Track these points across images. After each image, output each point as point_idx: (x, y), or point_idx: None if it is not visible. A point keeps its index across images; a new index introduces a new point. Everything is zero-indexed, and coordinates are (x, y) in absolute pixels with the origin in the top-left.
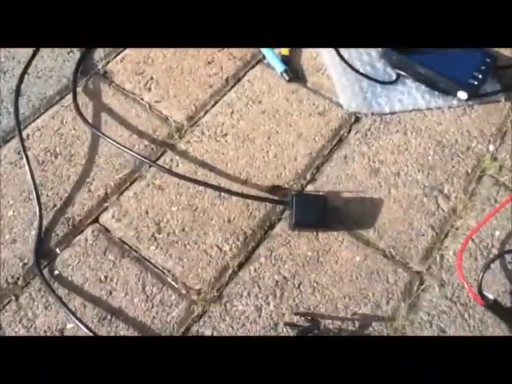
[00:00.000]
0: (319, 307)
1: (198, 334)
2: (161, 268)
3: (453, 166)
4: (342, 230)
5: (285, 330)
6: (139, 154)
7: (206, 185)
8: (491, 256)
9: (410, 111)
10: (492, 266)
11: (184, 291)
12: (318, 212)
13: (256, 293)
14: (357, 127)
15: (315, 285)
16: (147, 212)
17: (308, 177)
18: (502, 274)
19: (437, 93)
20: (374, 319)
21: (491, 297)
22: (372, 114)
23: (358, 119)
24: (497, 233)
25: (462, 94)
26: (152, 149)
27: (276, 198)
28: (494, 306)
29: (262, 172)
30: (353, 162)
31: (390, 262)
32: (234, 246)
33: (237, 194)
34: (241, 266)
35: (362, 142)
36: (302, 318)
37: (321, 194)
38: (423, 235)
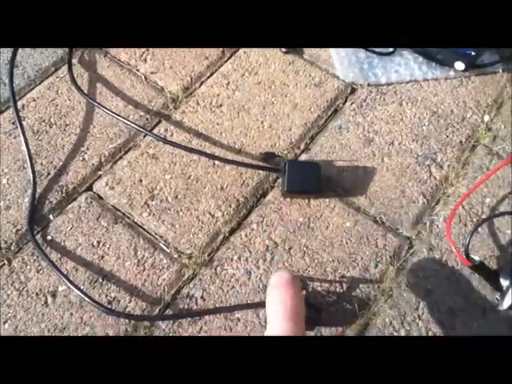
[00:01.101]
0: (308, 270)
1: (189, 296)
2: (153, 234)
3: (447, 136)
4: (334, 197)
5: None
6: (134, 123)
7: (199, 152)
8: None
9: (407, 82)
10: (480, 230)
11: (175, 255)
12: (311, 179)
13: (246, 257)
14: (353, 98)
15: (305, 249)
16: (141, 180)
17: (302, 146)
18: (489, 239)
19: (434, 64)
20: (362, 281)
21: (477, 258)
22: (368, 84)
23: (354, 90)
24: (487, 200)
25: (459, 65)
26: (147, 119)
27: (269, 165)
28: (480, 268)
29: (257, 142)
30: (347, 132)
31: (380, 228)
32: (226, 212)
33: (230, 161)
34: (232, 231)
35: (357, 112)
36: None
37: (314, 161)
38: (414, 202)
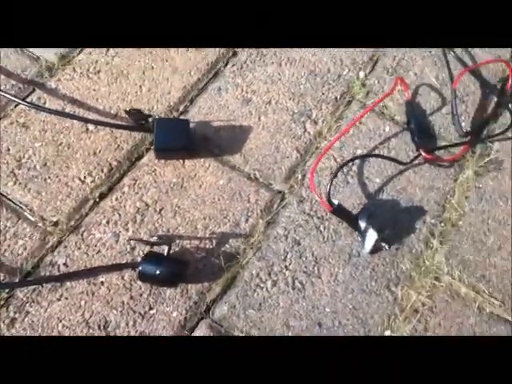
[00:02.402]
0: (178, 229)
1: (52, 263)
2: (18, 203)
3: (323, 93)
4: (210, 156)
5: (141, 252)
6: (5, 92)
7: (69, 116)
8: (351, 172)
9: None
10: (351, 181)
11: (40, 223)
12: (181, 135)
13: (115, 220)
14: (234, 60)
15: (177, 209)
16: (8, 149)
17: (181, 109)
18: (358, 188)
19: None
20: (232, 236)
21: (336, 202)
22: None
23: (235, 53)
24: (358, 151)
25: None
26: (19, 88)
27: (139, 123)
28: (339, 211)
29: (134, 106)
30: (226, 93)
31: (253, 184)
32: (97, 177)
33: (98, 122)
34: (102, 196)
35: (236, 74)
36: (156, 238)
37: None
38: (288, 157)
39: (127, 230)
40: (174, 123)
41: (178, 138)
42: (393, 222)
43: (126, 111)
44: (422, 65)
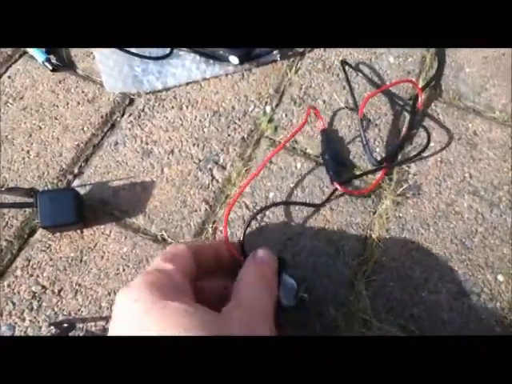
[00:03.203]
0: (81, 310)
1: None
2: None
3: (229, 135)
4: (110, 222)
5: None
6: None
7: None
8: (265, 218)
9: (186, 84)
10: (263, 227)
11: None
12: (66, 208)
13: (9, 310)
14: (130, 109)
15: (77, 287)
16: None
17: (76, 171)
18: (265, 233)
19: (212, 61)
20: None
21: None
22: (146, 93)
23: (132, 101)
24: (271, 194)
25: (233, 59)
26: None
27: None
28: None
29: (22, 175)
30: (124, 147)
31: (161, 246)
32: None
33: None
34: None
35: (134, 124)
36: (55, 328)
37: (72, 187)
38: (196, 211)
39: (23, 319)
40: (58, 196)
41: (63, 213)
42: (313, 267)
43: (5, 190)
44: (330, 91)
